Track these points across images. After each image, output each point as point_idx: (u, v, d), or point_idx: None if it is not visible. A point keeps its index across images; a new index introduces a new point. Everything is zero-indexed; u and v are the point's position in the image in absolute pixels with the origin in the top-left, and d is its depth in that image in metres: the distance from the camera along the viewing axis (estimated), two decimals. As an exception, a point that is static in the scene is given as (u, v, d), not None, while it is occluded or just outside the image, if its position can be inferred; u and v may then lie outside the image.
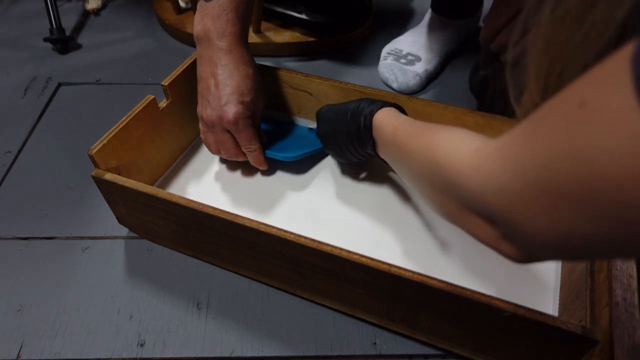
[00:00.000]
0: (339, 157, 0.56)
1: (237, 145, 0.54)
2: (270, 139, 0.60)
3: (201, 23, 0.51)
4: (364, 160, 0.55)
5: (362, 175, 0.60)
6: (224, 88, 0.51)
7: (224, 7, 0.51)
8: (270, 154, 0.57)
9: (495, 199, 0.25)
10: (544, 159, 0.21)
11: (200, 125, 0.55)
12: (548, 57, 0.23)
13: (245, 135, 0.52)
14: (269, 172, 0.60)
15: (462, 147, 0.29)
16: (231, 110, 0.50)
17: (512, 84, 0.26)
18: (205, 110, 0.52)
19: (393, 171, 0.59)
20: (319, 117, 0.57)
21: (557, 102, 0.21)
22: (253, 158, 0.56)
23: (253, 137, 0.53)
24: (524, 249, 0.27)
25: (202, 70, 0.52)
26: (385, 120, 0.46)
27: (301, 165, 0.60)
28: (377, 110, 0.47)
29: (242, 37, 0.52)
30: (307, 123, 0.66)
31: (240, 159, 0.56)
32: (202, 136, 0.56)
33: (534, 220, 0.23)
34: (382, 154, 0.48)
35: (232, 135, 0.53)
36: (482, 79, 0.68)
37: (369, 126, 0.47)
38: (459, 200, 0.30)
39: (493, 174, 0.25)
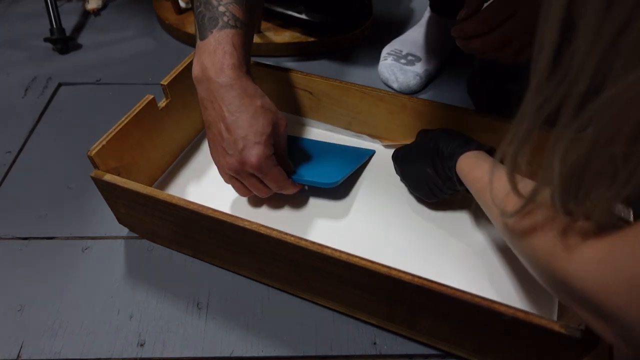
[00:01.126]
0: (428, 198, 0.54)
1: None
2: (301, 161, 0.57)
3: (198, 62, 0.48)
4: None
5: (363, 177, 0.60)
6: (236, 131, 0.47)
7: (219, 41, 0.48)
8: (309, 182, 0.54)
9: (605, 300, 0.25)
10: None
11: (221, 173, 0.52)
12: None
13: (271, 177, 0.50)
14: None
15: (558, 250, 0.30)
16: (251, 154, 0.47)
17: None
18: (225, 159, 0.49)
19: (393, 176, 0.59)
20: (397, 163, 0.57)
21: None
22: (286, 193, 0.53)
23: (279, 177, 0.50)
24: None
25: (208, 115, 0.49)
26: (470, 175, 0.45)
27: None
28: (457, 161, 0.47)
29: (241, 67, 0.48)
30: (308, 122, 0.66)
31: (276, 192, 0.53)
32: (227, 182, 0.53)
33: None
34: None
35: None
36: (480, 85, 0.68)
37: (453, 177, 0.48)
38: (568, 294, 0.30)
39: (602, 276, 0.26)
